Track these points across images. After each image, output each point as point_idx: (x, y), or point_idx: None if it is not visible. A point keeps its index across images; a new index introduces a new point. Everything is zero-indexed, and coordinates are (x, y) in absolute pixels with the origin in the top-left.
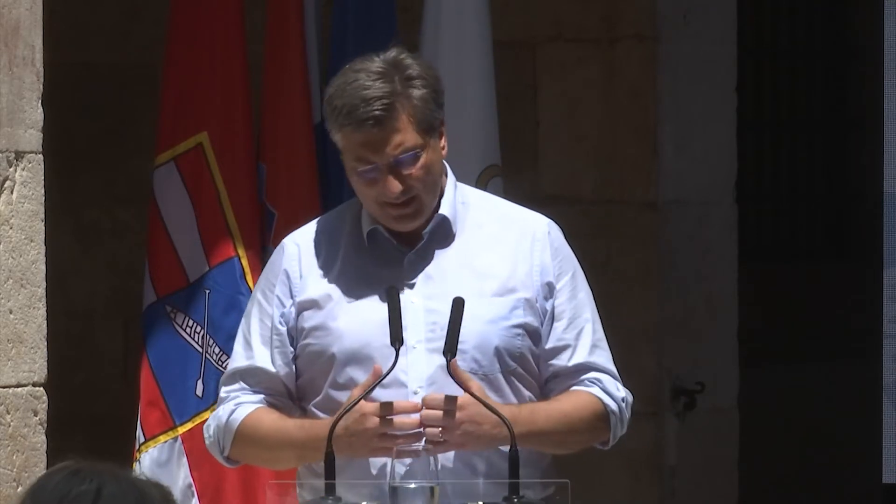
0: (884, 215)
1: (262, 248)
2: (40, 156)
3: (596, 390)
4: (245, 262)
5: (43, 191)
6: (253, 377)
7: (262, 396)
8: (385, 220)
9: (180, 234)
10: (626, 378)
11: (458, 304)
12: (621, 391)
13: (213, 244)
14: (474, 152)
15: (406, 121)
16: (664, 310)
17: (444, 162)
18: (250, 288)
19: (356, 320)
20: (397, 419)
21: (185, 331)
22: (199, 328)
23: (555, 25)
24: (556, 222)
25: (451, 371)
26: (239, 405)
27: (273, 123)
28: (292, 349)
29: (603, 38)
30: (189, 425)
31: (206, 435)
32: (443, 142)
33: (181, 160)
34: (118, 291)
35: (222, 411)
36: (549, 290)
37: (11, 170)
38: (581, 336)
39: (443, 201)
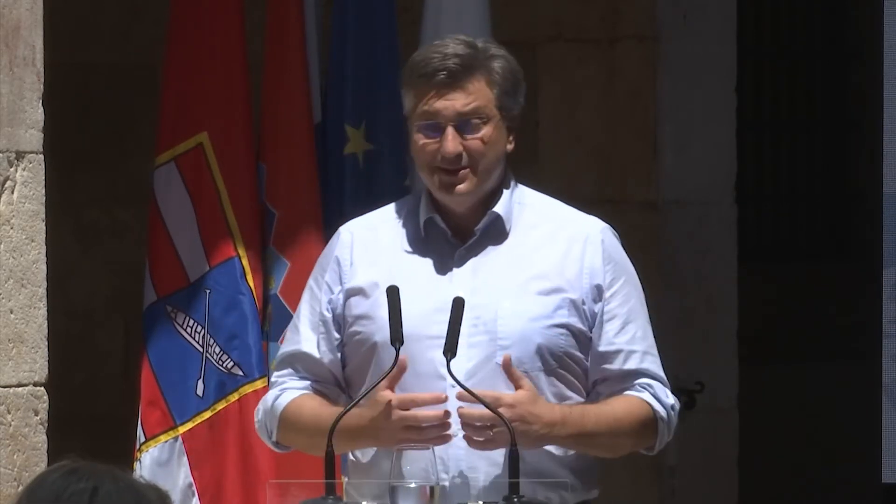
0: (884, 215)
1: (263, 248)
2: (41, 156)
3: (647, 396)
4: (245, 262)
5: (43, 191)
6: (300, 362)
7: (308, 383)
8: (435, 188)
9: (180, 234)
10: None
11: (458, 304)
12: (670, 398)
13: (213, 244)
14: None
15: (481, 85)
16: (664, 310)
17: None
18: (251, 287)
19: (402, 311)
20: (420, 412)
21: (185, 330)
22: (199, 328)
23: (555, 25)
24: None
25: (505, 368)
26: (284, 390)
27: (273, 123)
28: (338, 336)
29: (603, 38)
30: (189, 425)
31: (255, 419)
32: (511, 138)
33: (181, 160)
34: (118, 291)
35: (269, 396)
36: (598, 292)
37: (12, 170)
38: (633, 342)
39: (499, 200)
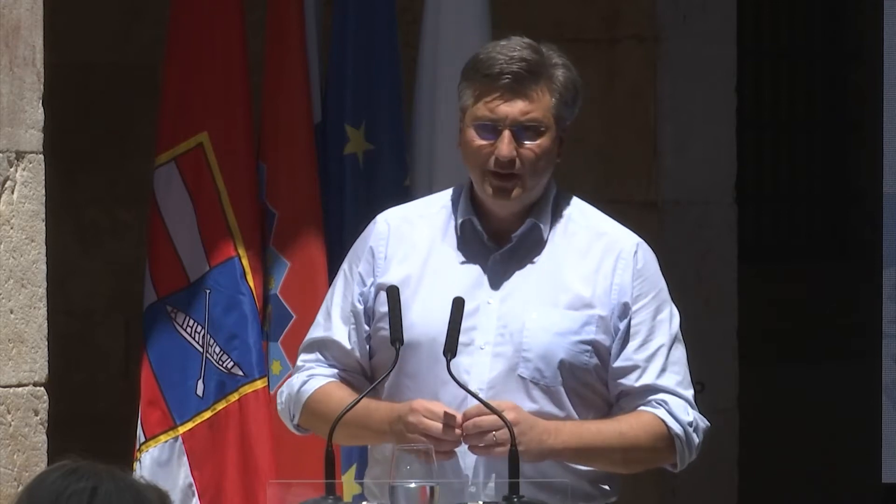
0: (884, 215)
1: (263, 248)
2: (41, 156)
3: (661, 412)
4: (245, 262)
5: (44, 191)
6: (329, 350)
7: (335, 371)
8: (484, 191)
9: (181, 234)
10: None
11: (457, 305)
12: (690, 415)
13: (213, 244)
14: None
15: (542, 94)
16: None
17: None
18: (251, 287)
19: (428, 311)
20: (433, 423)
21: (185, 330)
22: (199, 328)
23: (555, 25)
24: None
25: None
26: (312, 377)
27: (273, 123)
28: (367, 329)
29: (603, 38)
30: (189, 425)
31: (278, 401)
32: (560, 149)
33: (182, 160)
34: (118, 291)
35: (295, 380)
36: (624, 309)
37: (12, 170)
38: (653, 359)
39: (540, 209)
